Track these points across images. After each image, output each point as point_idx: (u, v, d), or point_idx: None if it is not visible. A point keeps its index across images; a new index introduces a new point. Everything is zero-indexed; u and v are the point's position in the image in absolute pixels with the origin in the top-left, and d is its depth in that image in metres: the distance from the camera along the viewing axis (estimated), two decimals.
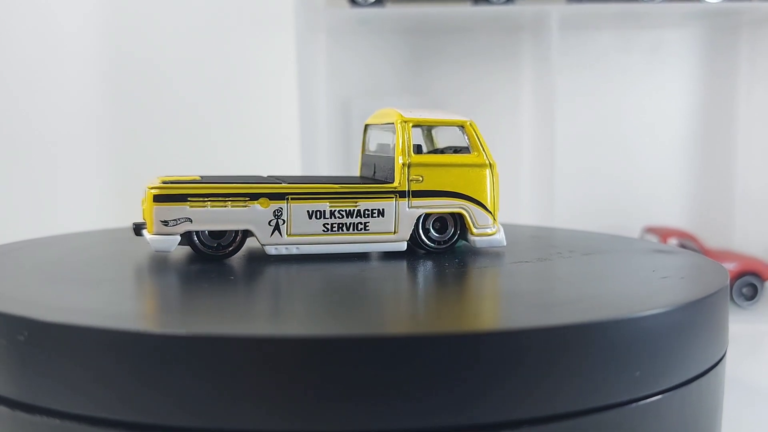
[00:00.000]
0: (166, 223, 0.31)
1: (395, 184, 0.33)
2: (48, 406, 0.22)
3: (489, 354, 0.20)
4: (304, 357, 0.20)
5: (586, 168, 1.01)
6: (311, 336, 0.20)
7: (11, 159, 0.99)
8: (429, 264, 0.32)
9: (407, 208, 0.33)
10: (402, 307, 0.25)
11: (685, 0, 0.88)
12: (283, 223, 0.32)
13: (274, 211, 0.32)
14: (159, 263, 0.32)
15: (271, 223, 0.32)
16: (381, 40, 1.00)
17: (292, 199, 0.32)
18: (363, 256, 0.33)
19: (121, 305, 0.25)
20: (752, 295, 0.87)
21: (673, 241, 0.89)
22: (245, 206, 0.31)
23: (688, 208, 1.02)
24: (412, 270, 0.31)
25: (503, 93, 1.01)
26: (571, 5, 0.89)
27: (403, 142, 0.34)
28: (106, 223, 0.95)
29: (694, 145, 1.02)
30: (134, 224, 0.34)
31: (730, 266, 0.86)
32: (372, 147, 0.38)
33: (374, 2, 0.88)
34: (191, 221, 0.31)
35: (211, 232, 0.31)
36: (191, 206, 0.31)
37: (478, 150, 0.36)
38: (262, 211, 0.31)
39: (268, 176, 0.35)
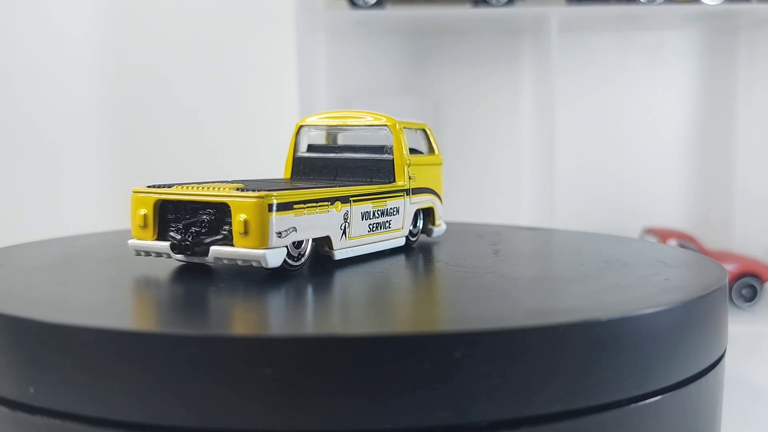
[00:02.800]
0: (280, 234, 0.27)
1: (401, 183, 0.34)
2: (48, 406, 0.22)
3: (489, 354, 0.20)
4: (308, 357, 0.20)
5: (586, 169, 1.01)
6: (313, 336, 0.20)
7: (14, 161, 0.99)
8: (422, 260, 0.32)
9: (409, 205, 0.35)
10: (402, 308, 0.25)
11: (684, 2, 0.88)
12: (348, 226, 0.31)
13: (344, 215, 0.31)
14: (162, 265, 0.32)
15: (341, 227, 0.31)
16: (381, 42, 1.01)
17: (354, 201, 0.31)
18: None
19: (123, 306, 0.25)
20: (751, 296, 0.87)
21: (672, 242, 0.89)
22: (327, 211, 0.30)
23: (688, 209, 1.02)
24: (413, 267, 0.31)
25: (503, 94, 1.01)
26: (570, 7, 0.89)
27: (402, 144, 0.35)
28: (107, 224, 0.95)
29: (694, 147, 1.02)
30: (180, 242, 0.28)
31: (730, 267, 0.86)
32: (303, 148, 0.37)
33: (374, 4, 0.88)
34: (296, 230, 0.28)
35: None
36: (296, 214, 0.28)
37: (436, 150, 0.38)
38: (337, 215, 0.30)
39: (269, 180, 0.35)
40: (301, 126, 0.37)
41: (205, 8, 0.99)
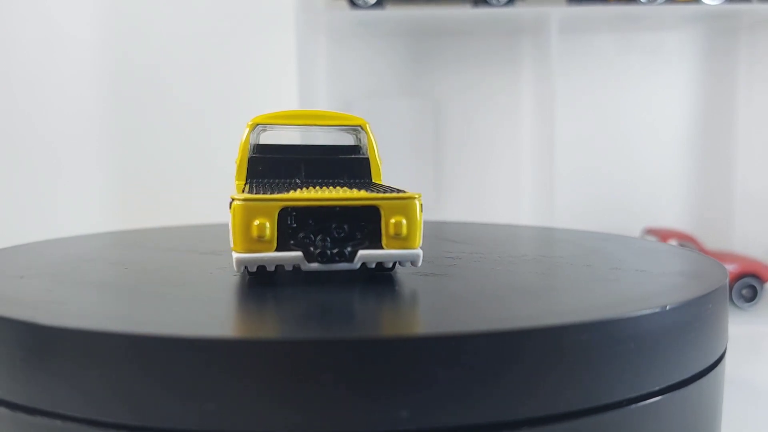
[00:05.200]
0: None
1: (378, 182, 0.35)
2: (49, 408, 0.22)
3: (488, 354, 0.20)
4: (311, 359, 0.20)
5: (587, 169, 1.01)
6: (315, 339, 0.20)
7: (13, 161, 1.00)
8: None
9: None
10: (400, 309, 0.25)
11: (684, 2, 0.88)
12: None
13: None
14: (162, 266, 0.32)
15: None
16: (381, 42, 1.01)
17: None
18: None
19: (122, 308, 0.25)
20: (752, 296, 0.87)
21: (672, 243, 0.89)
22: None
23: (688, 209, 1.02)
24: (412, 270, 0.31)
25: (503, 95, 1.01)
26: (570, 7, 0.89)
27: (375, 145, 0.35)
28: (107, 225, 0.95)
29: (694, 147, 1.02)
30: (326, 250, 0.27)
31: (730, 268, 0.86)
32: (258, 148, 0.35)
33: (374, 4, 0.88)
34: None
35: None
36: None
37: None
38: None
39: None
40: (257, 124, 0.35)
41: (205, 9, 0.99)
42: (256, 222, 0.26)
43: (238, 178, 0.34)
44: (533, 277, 0.30)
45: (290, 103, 0.88)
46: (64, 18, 0.98)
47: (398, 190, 0.28)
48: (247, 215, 0.26)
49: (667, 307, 0.23)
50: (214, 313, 0.25)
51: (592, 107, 1.01)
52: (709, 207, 1.02)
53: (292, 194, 0.26)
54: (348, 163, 0.35)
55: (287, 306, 0.25)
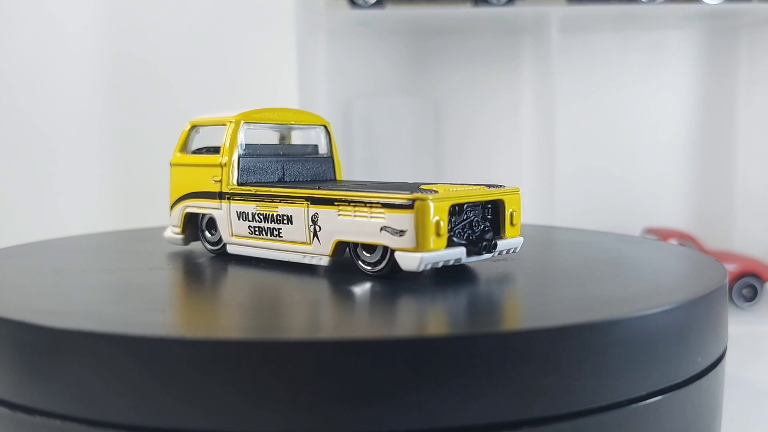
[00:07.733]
0: None
1: (341, 180, 0.36)
2: (48, 408, 0.22)
3: (489, 354, 0.20)
4: (314, 361, 0.20)
5: (587, 169, 1.01)
6: (316, 340, 0.20)
7: (13, 159, 0.99)
8: None
9: None
10: (399, 310, 0.25)
11: (684, 1, 0.88)
12: None
13: None
14: (163, 266, 0.32)
15: None
16: (381, 42, 1.01)
17: None
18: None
19: (119, 309, 0.25)
20: (752, 296, 0.87)
21: (672, 242, 0.89)
22: None
23: (688, 209, 1.02)
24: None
25: (504, 94, 1.01)
26: (571, 6, 0.89)
27: (336, 144, 0.36)
28: (106, 224, 0.95)
29: (695, 146, 1.02)
30: (479, 243, 0.28)
31: (730, 267, 0.86)
32: (244, 147, 0.34)
33: (374, 3, 0.88)
34: None
35: None
36: None
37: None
38: None
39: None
40: (242, 122, 0.33)
41: (205, 8, 0.99)
42: (439, 221, 0.26)
43: (226, 178, 0.33)
44: (533, 277, 0.30)
45: (290, 103, 0.88)
46: (63, 16, 0.98)
47: (495, 186, 0.30)
48: (433, 214, 0.26)
49: (667, 307, 0.23)
50: (223, 316, 0.24)
51: (592, 107, 1.01)
52: (709, 207, 1.02)
53: (448, 191, 0.27)
54: (316, 162, 0.36)
55: (442, 300, 0.25)
